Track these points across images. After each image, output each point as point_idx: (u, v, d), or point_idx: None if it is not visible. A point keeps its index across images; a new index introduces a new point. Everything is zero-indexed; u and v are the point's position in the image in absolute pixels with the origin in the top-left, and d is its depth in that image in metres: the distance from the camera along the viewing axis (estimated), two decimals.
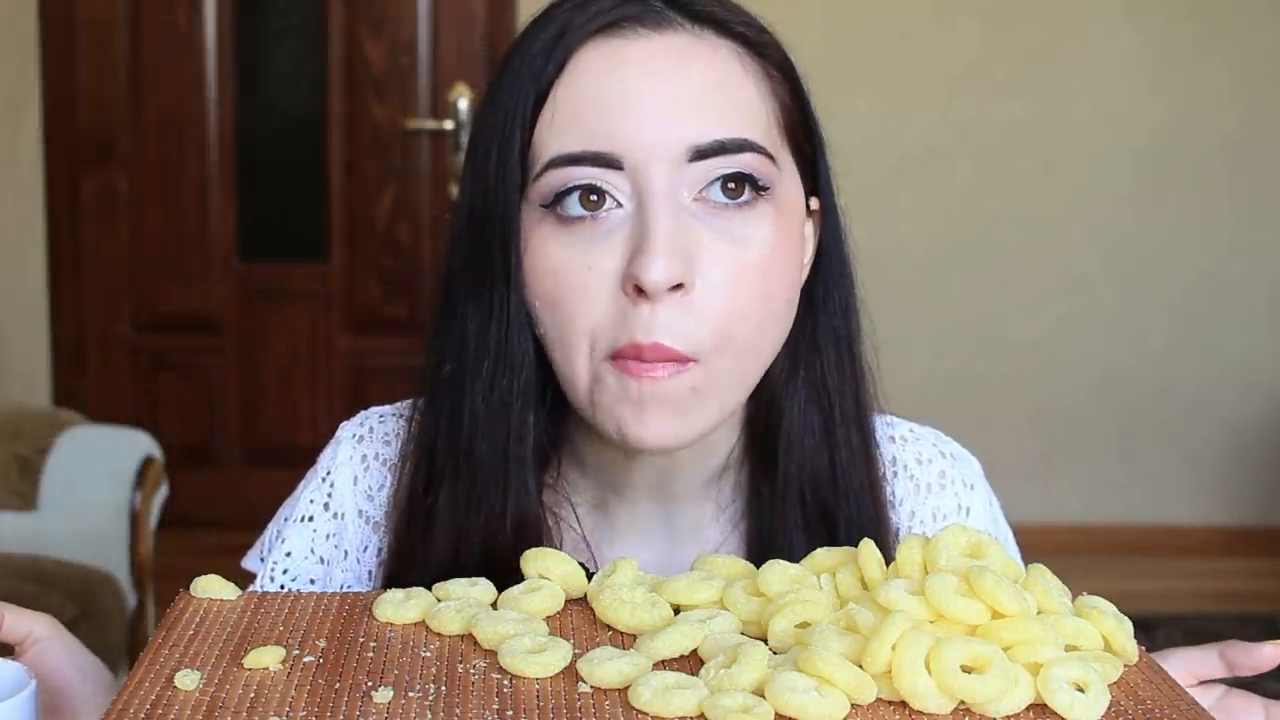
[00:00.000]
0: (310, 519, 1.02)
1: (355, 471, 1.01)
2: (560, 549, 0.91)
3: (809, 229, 0.93)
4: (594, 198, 0.84)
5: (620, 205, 0.84)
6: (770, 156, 0.86)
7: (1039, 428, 3.91)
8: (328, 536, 1.01)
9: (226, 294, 3.83)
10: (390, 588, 0.86)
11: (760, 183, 0.85)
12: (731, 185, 0.84)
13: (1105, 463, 3.95)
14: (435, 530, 0.92)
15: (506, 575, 0.85)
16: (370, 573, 1.00)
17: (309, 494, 1.03)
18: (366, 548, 1.01)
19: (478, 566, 0.89)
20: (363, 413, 1.04)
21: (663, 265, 0.81)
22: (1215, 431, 3.94)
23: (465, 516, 0.91)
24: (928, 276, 3.80)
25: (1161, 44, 3.80)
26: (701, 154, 0.83)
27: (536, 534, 0.92)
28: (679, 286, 0.82)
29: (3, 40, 3.71)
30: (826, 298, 0.94)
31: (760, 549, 0.95)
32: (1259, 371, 3.93)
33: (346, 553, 1.01)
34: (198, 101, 3.74)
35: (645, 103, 0.83)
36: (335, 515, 1.01)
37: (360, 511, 1.01)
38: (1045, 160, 3.83)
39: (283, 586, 1.01)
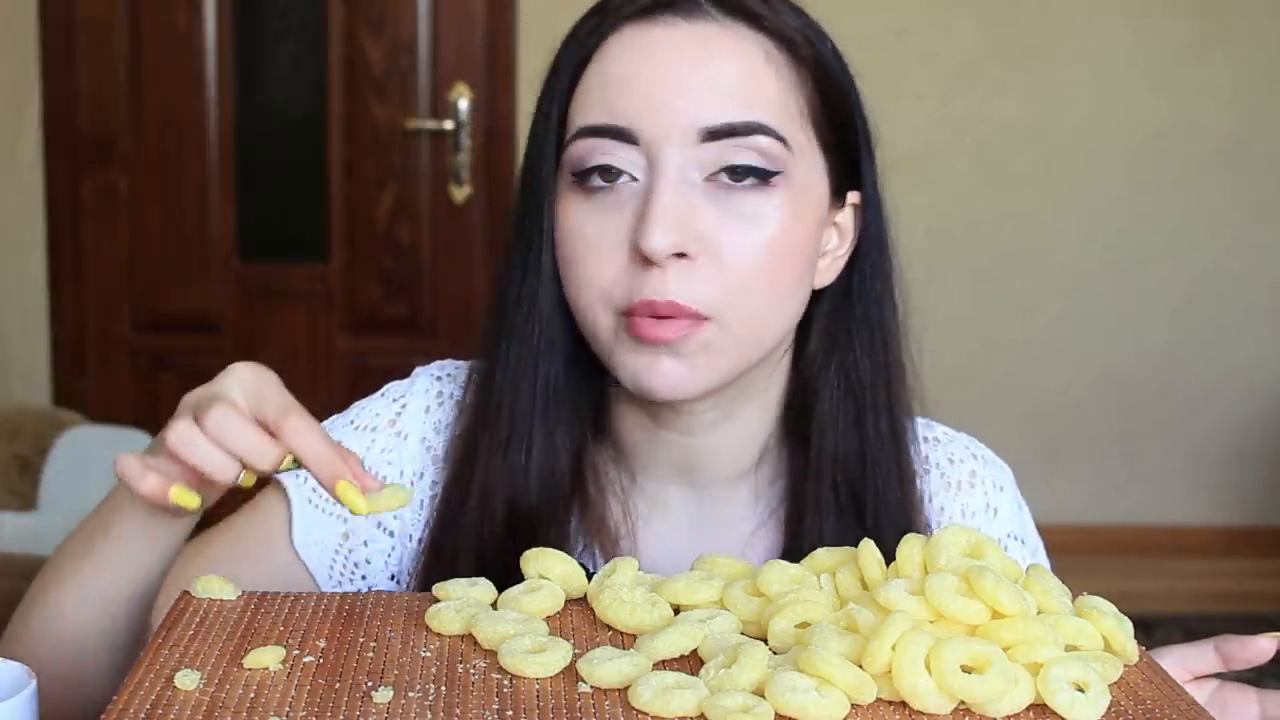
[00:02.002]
0: (372, 429, 1.03)
1: (429, 402, 1.04)
2: (606, 516, 0.97)
3: (846, 220, 0.98)
4: (612, 171, 0.90)
5: (635, 179, 0.90)
6: (783, 141, 0.90)
7: (1037, 427, 3.91)
8: (383, 450, 1.02)
9: (226, 294, 3.83)
10: (441, 533, 0.95)
11: (769, 168, 0.90)
12: (740, 172, 0.89)
13: (1105, 462, 3.95)
14: (473, 479, 0.97)
15: (531, 531, 0.92)
16: (422, 501, 1.02)
17: (374, 408, 1.04)
18: (423, 475, 1.02)
19: (503, 520, 0.95)
20: (440, 361, 1.08)
21: (661, 233, 0.87)
22: (1216, 431, 3.94)
23: (498, 464, 0.96)
24: (925, 275, 3.77)
25: (1161, 43, 3.80)
26: (713, 135, 0.89)
27: (561, 489, 0.97)
28: (683, 256, 0.88)
29: (3, 40, 3.71)
30: (863, 290, 0.99)
31: (795, 531, 0.98)
32: (1260, 371, 3.93)
33: (402, 473, 1.02)
34: (198, 101, 3.74)
35: (663, 85, 0.89)
36: (399, 434, 1.03)
37: (424, 439, 1.03)
38: (1043, 159, 3.83)
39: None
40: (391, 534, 1.01)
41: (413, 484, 1.02)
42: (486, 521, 0.96)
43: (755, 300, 0.90)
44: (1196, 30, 3.79)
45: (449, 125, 3.70)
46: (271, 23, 3.75)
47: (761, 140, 0.89)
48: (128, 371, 3.87)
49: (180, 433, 0.78)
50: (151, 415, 3.78)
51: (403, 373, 1.07)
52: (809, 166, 0.93)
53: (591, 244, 0.91)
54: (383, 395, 1.05)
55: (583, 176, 0.91)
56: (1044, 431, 3.91)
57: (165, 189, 3.79)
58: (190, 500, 0.79)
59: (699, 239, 0.88)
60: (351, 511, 0.77)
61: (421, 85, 3.73)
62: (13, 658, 0.88)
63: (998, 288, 3.87)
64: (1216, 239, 3.87)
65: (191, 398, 0.81)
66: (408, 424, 1.03)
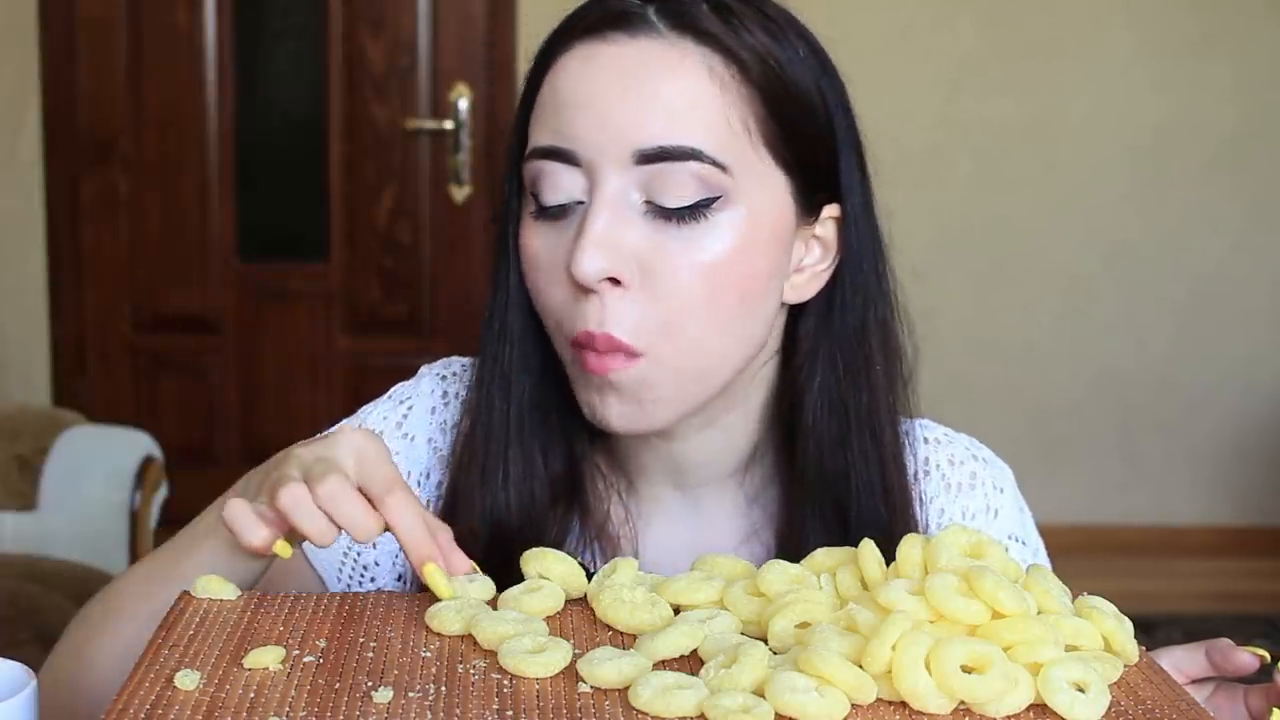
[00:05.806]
0: (379, 434, 1.01)
1: (434, 403, 1.04)
2: (608, 520, 0.97)
3: (828, 233, 0.95)
4: (561, 192, 0.89)
5: (581, 201, 0.89)
6: (721, 167, 0.87)
7: (1038, 427, 3.91)
8: (392, 455, 1.02)
9: (226, 294, 3.83)
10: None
11: (706, 195, 0.87)
12: (679, 194, 0.87)
13: (1105, 462, 3.95)
14: (480, 479, 0.97)
15: (511, 549, 0.89)
16: (430, 501, 1.01)
17: (381, 411, 1.04)
18: (430, 474, 1.02)
19: (485, 539, 0.94)
20: (446, 359, 1.08)
21: (588, 259, 0.85)
22: (1216, 431, 3.95)
23: (476, 485, 0.96)
24: (926, 275, 3.78)
25: (1162, 42, 3.80)
26: (646, 158, 0.87)
27: (543, 507, 0.96)
28: (617, 283, 0.86)
29: (3, 40, 3.71)
30: (843, 306, 0.96)
31: (786, 542, 0.97)
32: (1260, 371, 3.93)
33: (409, 473, 1.02)
34: (198, 101, 3.74)
35: (602, 105, 0.87)
36: (406, 435, 1.03)
37: (430, 440, 1.03)
38: (1044, 159, 3.83)
39: None
40: None
41: (419, 484, 1.02)
42: (470, 538, 0.94)
43: (691, 331, 0.88)
44: (1196, 29, 3.79)
45: (449, 125, 3.70)
46: (271, 23, 3.75)
47: (695, 166, 0.86)
48: (128, 371, 3.87)
49: (294, 495, 0.79)
50: (152, 415, 3.78)
51: (403, 373, 1.07)
52: (763, 187, 0.89)
53: (543, 268, 0.90)
54: (389, 397, 1.05)
55: (537, 197, 0.90)
56: (1044, 431, 3.91)
57: (165, 189, 3.79)
58: (286, 551, 0.82)
59: (633, 264, 0.86)
60: (437, 596, 0.78)
61: (421, 85, 3.73)
62: (76, 674, 0.88)
63: (998, 287, 3.87)
64: (1217, 239, 3.87)
65: (306, 456, 0.82)
66: (414, 425, 1.03)
